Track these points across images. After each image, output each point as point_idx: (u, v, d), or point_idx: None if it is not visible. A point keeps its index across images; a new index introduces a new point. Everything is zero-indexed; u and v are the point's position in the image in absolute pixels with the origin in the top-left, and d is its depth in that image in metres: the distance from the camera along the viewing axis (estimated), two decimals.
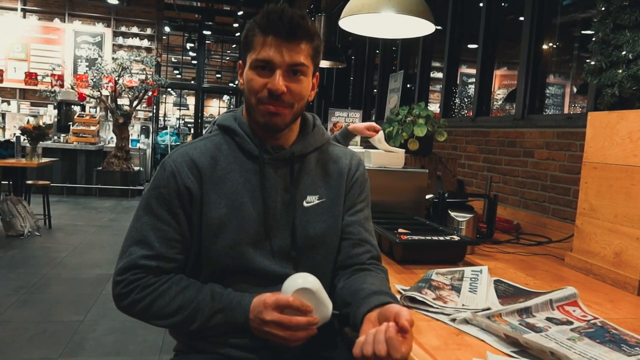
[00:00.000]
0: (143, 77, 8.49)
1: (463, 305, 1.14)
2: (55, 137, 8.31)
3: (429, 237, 1.56)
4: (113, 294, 0.99)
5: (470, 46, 4.48)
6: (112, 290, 0.99)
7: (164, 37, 11.55)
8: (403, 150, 2.08)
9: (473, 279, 1.28)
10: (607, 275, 1.51)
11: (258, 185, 0.99)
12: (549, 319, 1.10)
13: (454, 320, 1.06)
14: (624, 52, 1.52)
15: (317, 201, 1.04)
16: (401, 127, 2.49)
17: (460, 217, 1.77)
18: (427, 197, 2.04)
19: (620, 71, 1.51)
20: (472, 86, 5.01)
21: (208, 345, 0.97)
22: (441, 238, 1.55)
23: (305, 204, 1.03)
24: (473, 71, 4.44)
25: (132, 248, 0.97)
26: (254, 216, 0.98)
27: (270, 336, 0.91)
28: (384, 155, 2.02)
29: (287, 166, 1.02)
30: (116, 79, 8.09)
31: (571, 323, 1.09)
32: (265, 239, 0.99)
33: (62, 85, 8.70)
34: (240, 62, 1.03)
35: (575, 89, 4.44)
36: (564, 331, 1.04)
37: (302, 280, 0.90)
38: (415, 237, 1.54)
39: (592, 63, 1.62)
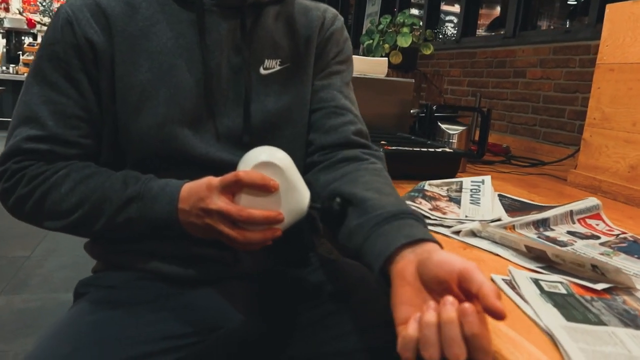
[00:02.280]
0: None
1: (466, 216, 0.92)
2: (4, 68, 7.65)
3: (418, 149, 1.32)
4: None
5: None
6: None
7: None
8: (386, 59, 1.80)
9: (474, 190, 1.06)
10: (619, 192, 1.31)
11: (196, 42, 0.70)
12: (570, 233, 0.89)
13: (457, 232, 0.83)
14: None
15: (278, 67, 0.76)
16: (382, 39, 2.20)
17: (452, 129, 1.54)
18: (412, 112, 1.79)
19: None
20: (450, 24, 4.69)
21: (129, 259, 0.71)
22: (431, 150, 1.32)
23: (262, 71, 0.74)
24: (451, 8, 4.12)
25: (18, 129, 0.69)
26: (189, 84, 0.69)
27: (214, 235, 0.62)
28: (363, 62, 1.74)
29: (237, 18, 0.73)
30: None
31: (598, 237, 0.88)
32: (207, 118, 0.71)
33: (7, 9, 7.91)
34: None
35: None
36: (593, 245, 0.83)
37: (267, 155, 0.61)
38: (402, 148, 1.30)
39: None
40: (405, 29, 2.11)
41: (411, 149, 1.31)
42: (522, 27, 2.62)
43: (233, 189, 0.60)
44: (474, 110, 1.77)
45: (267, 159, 0.61)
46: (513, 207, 1.06)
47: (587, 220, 0.96)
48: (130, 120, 0.68)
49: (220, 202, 0.60)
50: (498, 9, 4.50)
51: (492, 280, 0.65)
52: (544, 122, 2.29)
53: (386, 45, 2.17)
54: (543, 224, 0.90)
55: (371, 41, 2.28)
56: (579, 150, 1.51)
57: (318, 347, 0.69)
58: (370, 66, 1.74)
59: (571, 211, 0.95)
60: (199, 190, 0.62)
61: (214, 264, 0.70)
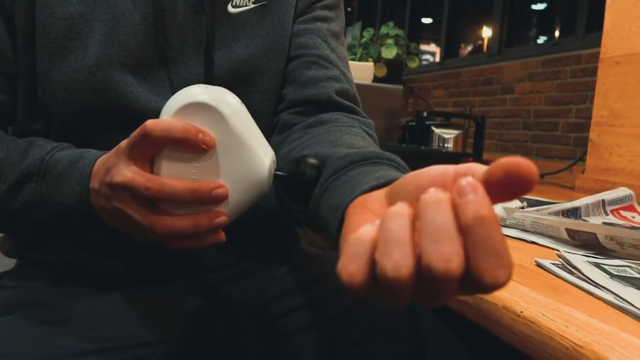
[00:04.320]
0: None
1: None
2: None
3: (411, 151, 1.18)
4: None
5: (424, 20, 4.21)
6: None
7: None
8: (371, 64, 1.69)
9: None
10: (636, 194, 1.17)
11: None
12: (608, 224, 0.74)
13: None
14: None
15: (252, 4, 0.60)
16: (366, 52, 2.10)
17: (447, 133, 1.41)
18: (401, 121, 1.67)
19: None
20: (425, 62, 4.75)
21: (44, 253, 0.51)
22: (427, 149, 1.18)
23: (231, 9, 0.58)
24: (427, 47, 4.16)
25: None
26: (133, 18, 0.53)
27: (123, 224, 0.40)
28: None
29: None
30: None
31: (638, 229, 0.73)
32: (158, 65, 0.54)
33: None
34: None
35: None
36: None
37: (205, 95, 0.38)
38: (396, 147, 1.16)
39: None
40: (390, 41, 2.02)
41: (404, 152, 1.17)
42: (507, 43, 2.56)
43: (144, 150, 0.38)
44: (467, 118, 1.65)
45: (202, 99, 0.37)
46: (530, 203, 0.91)
47: (620, 211, 0.82)
48: (52, 65, 0.51)
49: (126, 172, 0.37)
50: (469, 48, 4.52)
51: (539, 264, 0.49)
52: (537, 137, 2.19)
53: (370, 59, 2.07)
54: (574, 213, 0.75)
55: (354, 56, 2.18)
56: (582, 157, 1.39)
57: None
58: (354, 71, 1.62)
59: (603, 200, 0.81)
60: (107, 159, 0.41)
61: (151, 259, 0.52)
